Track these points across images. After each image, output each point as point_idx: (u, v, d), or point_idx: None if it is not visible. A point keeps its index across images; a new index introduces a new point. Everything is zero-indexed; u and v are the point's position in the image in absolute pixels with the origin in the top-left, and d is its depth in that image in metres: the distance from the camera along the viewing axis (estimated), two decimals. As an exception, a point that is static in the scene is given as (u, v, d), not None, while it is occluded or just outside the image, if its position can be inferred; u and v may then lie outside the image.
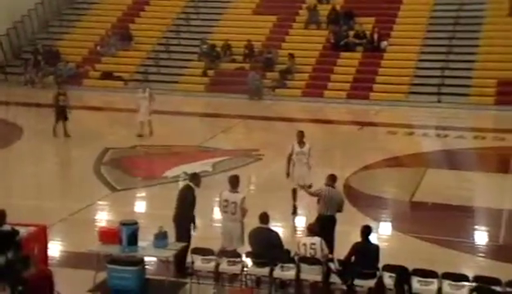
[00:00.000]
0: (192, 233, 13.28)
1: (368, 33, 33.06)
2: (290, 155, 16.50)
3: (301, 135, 16.65)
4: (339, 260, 12.33)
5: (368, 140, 24.83)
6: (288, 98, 30.91)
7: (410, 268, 11.77)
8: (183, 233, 13.06)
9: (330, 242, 12.97)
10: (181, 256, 12.72)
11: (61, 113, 23.74)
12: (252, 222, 12.92)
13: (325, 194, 13.68)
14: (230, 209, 13.09)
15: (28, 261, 10.68)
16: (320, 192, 13.79)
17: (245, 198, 13.19)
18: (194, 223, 13.34)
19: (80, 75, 33.78)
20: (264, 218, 12.72)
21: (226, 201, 13.15)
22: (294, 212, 16.62)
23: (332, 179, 14.05)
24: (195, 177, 13.65)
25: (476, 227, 16.68)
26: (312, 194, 14.29)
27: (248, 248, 12.72)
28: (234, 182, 13.37)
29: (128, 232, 12.33)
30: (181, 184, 19.07)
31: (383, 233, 15.99)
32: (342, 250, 12.80)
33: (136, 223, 12.60)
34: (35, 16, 36.89)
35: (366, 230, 12.23)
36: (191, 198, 13.25)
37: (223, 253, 12.67)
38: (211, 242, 13.11)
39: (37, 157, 22.97)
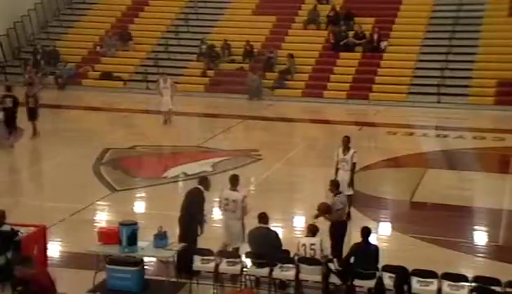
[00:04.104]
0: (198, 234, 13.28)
1: (368, 33, 33.06)
2: (337, 163, 15.94)
3: (347, 141, 16.09)
4: (339, 261, 12.34)
5: (368, 140, 24.81)
6: (287, 98, 30.91)
7: (410, 268, 11.81)
8: (189, 235, 12.99)
9: (341, 247, 13.10)
10: (186, 257, 12.68)
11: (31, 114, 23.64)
12: (253, 222, 12.92)
13: (343, 206, 13.67)
14: (230, 207, 13.12)
15: (29, 261, 10.66)
16: (343, 207, 13.61)
17: (246, 197, 13.25)
18: (201, 226, 13.29)
19: (79, 75, 33.81)
20: (263, 218, 12.75)
21: (226, 199, 13.17)
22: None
23: (337, 186, 14.00)
24: (205, 180, 13.57)
25: (476, 227, 16.67)
26: (340, 212, 13.63)
27: (248, 248, 12.73)
28: (234, 181, 13.40)
29: (127, 232, 12.33)
30: (180, 184, 19.17)
31: (382, 233, 15.99)
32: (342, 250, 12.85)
33: (135, 223, 12.60)
34: (34, 16, 36.90)
35: (366, 231, 12.23)
36: (200, 201, 13.22)
37: (222, 253, 12.68)
38: (211, 243, 13.12)
39: (36, 157, 22.97)
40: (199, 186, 13.43)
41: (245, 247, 12.89)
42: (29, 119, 23.63)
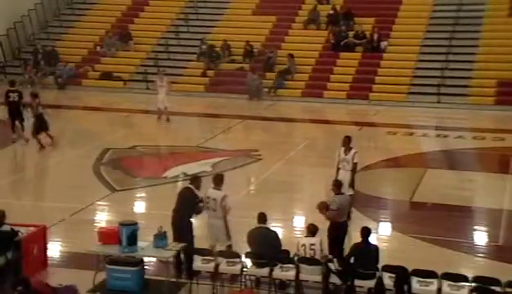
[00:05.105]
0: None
1: (368, 33, 33.05)
2: (338, 163, 15.91)
3: (347, 141, 16.06)
4: (339, 261, 12.33)
5: (368, 140, 24.79)
6: (288, 98, 30.90)
7: (410, 268, 11.81)
8: (183, 236, 12.94)
9: (341, 247, 13.07)
10: (187, 257, 12.67)
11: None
12: (252, 222, 12.92)
13: (343, 205, 13.63)
14: (211, 206, 13.12)
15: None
16: (341, 206, 13.53)
17: (226, 197, 13.17)
18: (199, 211, 13.25)
19: (79, 75, 33.80)
20: (262, 218, 12.76)
21: (208, 198, 13.18)
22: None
23: (339, 186, 13.98)
24: (196, 180, 13.60)
25: (476, 227, 16.67)
26: (334, 212, 13.52)
27: (240, 247, 12.74)
28: (218, 180, 13.39)
29: (127, 232, 12.34)
30: (180, 184, 19.14)
31: (382, 233, 15.99)
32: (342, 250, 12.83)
33: (135, 223, 12.61)
34: (34, 16, 36.90)
35: (366, 231, 12.23)
36: (191, 200, 13.22)
37: (222, 253, 12.68)
38: (211, 243, 13.18)
39: (36, 157, 22.95)
40: (191, 186, 13.45)
41: (236, 244, 12.91)
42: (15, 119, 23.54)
